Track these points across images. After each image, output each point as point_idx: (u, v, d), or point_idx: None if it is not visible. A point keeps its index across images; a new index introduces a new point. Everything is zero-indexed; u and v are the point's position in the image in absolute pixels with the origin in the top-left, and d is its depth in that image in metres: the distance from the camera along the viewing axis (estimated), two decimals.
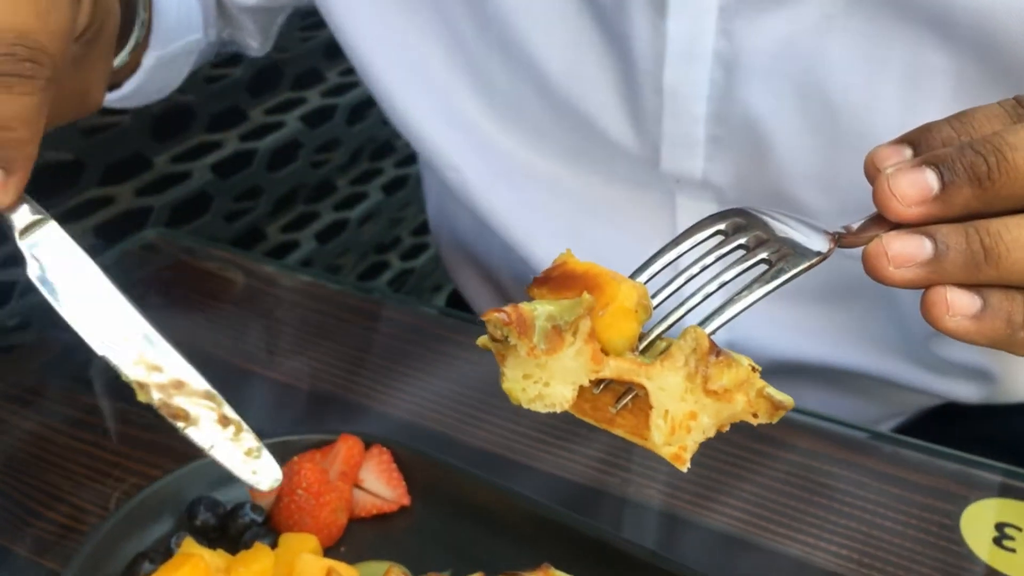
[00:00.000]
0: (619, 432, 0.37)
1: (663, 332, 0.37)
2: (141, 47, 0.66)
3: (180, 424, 0.42)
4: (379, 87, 0.73)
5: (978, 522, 0.54)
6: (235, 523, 0.51)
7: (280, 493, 0.51)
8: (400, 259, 1.54)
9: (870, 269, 0.36)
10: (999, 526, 0.54)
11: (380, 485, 0.53)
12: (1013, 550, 0.53)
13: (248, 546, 0.49)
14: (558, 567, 0.47)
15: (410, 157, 1.50)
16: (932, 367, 0.71)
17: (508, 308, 0.35)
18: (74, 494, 0.57)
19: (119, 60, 0.62)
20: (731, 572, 0.52)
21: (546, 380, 0.35)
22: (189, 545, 0.48)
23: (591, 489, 0.58)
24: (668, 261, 0.39)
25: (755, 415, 0.36)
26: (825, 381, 0.74)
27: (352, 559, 0.49)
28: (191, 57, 0.75)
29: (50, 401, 0.65)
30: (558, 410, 0.36)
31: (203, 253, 0.82)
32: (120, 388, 0.66)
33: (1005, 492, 0.56)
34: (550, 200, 0.73)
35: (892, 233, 0.36)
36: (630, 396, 0.37)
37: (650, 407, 0.36)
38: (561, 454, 0.60)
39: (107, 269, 0.80)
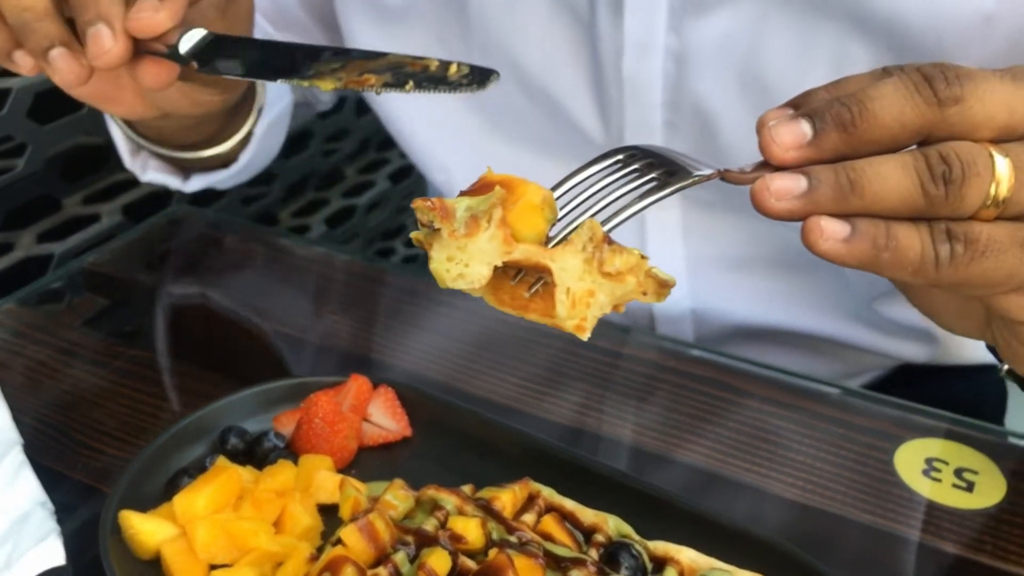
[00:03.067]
0: (532, 316, 0.42)
1: (568, 233, 0.42)
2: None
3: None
4: (379, 102, 0.82)
5: (910, 457, 0.62)
6: (260, 447, 0.58)
7: (300, 422, 0.59)
8: (405, 246, 1.62)
9: (757, 203, 0.42)
10: (928, 460, 0.62)
11: (385, 419, 0.61)
12: (939, 480, 0.60)
13: (272, 464, 0.56)
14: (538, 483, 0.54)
15: None
16: (879, 328, 0.79)
17: (434, 199, 0.41)
18: (118, 429, 0.65)
19: (249, 124, 0.76)
20: (697, 498, 0.59)
21: (466, 261, 0.40)
22: (223, 462, 0.56)
23: (572, 429, 0.66)
24: (577, 181, 0.45)
25: (644, 293, 0.42)
26: (785, 344, 0.81)
27: (362, 480, 0.57)
28: (285, 121, 0.86)
29: (92, 352, 0.72)
30: (476, 286, 0.41)
31: (224, 227, 0.90)
32: (153, 341, 0.75)
33: (934, 433, 0.64)
34: None
35: (774, 173, 0.42)
36: (539, 283, 0.42)
37: (555, 287, 0.41)
38: (545, 400, 0.68)
39: (139, 241, 0.89)
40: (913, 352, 0.81)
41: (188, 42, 0.53)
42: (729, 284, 0.79)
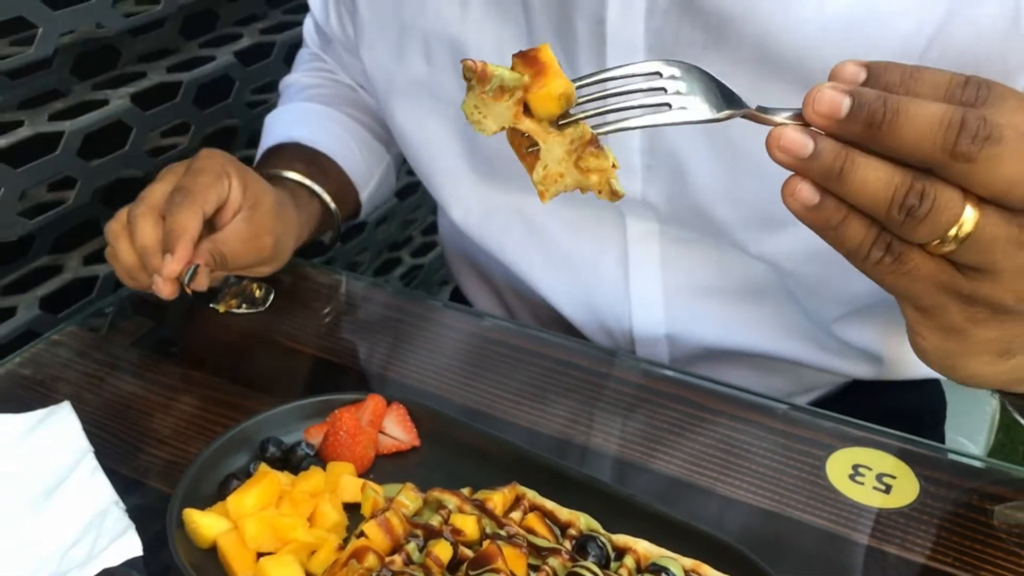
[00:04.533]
0: (524, 164, 0.54)
1: (565, 125, 0.52)
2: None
3: None
4: (417, 161, 0.95)
5: (839, 464, 0.73)
6: (294, 455, 0.70)
7: (327, 434, 0.70)
8: (411, 256, 1.73)
9: (767, 142, 0.48)
10: (854, 466, 0.73)
11: (398, 431, 0.72)
12: (862, 483, 0.72)
13: (305, 470, 0.68)
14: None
15: None
16: (833, 350, 0.90)
17: (480, 63, 0.50)
18: (169, 436, 0.76)
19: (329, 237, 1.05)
20: (664, 499, 0.70)
21: (485, 114, 0.52)
22: (264, 468, 0.67)
23: (560, 440, 0.77)
24: (606, 77, 0.52)
25: (599, 192, 0.52)
26: (748, 364, 0.93)
27: (378, 483, 0.68)
28: (391, 174, 1.12)
29: (141, 368, 0.84)
30: (486, 134, 0.53)
31: None
32: (197, 358, 0.86)
33: (860, 443, 0.75)
34: (529, 227, 0.92)
35: (793, 125, 0.47)
36: (536, 147, 0.53)
37: (538, 158, 0.52)
38: (536, 413, 0.79)
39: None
40: (862, 371, 0.91)
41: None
42: (701, 311, 0.90)
